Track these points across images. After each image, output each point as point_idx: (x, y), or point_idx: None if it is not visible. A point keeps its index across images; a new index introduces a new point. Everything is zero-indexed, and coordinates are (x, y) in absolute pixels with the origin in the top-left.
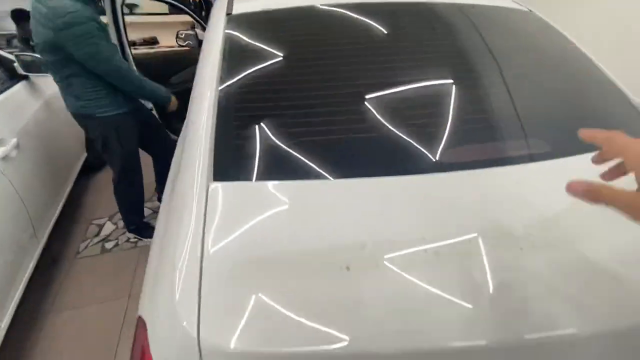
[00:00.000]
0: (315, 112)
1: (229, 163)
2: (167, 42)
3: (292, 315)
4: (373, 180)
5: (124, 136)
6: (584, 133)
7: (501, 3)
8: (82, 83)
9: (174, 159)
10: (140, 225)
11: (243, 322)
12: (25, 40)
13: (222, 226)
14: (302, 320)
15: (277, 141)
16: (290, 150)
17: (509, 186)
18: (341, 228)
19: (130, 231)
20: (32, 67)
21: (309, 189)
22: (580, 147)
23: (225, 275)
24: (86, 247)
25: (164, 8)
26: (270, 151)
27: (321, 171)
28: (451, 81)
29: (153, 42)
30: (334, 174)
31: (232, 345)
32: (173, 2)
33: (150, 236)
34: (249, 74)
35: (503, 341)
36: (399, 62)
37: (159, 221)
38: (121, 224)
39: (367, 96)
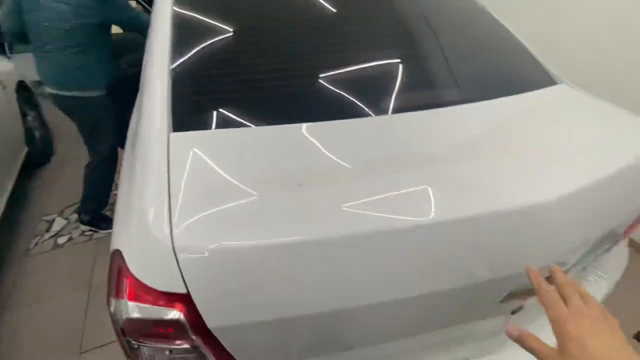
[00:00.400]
0: (263, 69)
1: (186, 116)
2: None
3: (255, 217)
4: (314, 124)
5: (113, 118)
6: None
7: None
8: (95, 54)
9: (131, 120)
10: (97, 217)
11: (210, 226)
12: None
13: (184, 161)
14: (263, 218)
15: (228, 95)
16: (237, 103)
17: (435, 124)
18: (291, 157)
19: (85, 223)
20: None
21: (254, 133)
22: (494, 93)
23: (191, 193)
24: (37, 244)
25: None
26: (222, 104)
27: (262, 119)
28: (387, 40)
29: None
30: (279, 120)
31: (203, 245)
32: None
33: (108, 228)
34: (200, 34)
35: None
36: (339, 28)
37: (123, 170)
38: (73, 218)
39: (311, 53)
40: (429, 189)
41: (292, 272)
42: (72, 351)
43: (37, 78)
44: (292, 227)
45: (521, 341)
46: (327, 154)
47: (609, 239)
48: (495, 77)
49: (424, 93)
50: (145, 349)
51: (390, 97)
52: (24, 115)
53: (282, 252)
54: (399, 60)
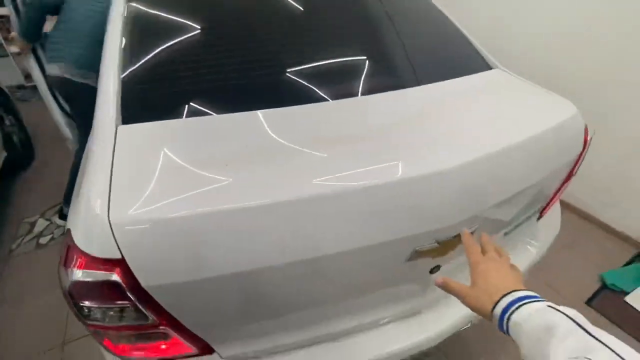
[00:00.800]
0: (210, 63)
1: (133, 111)
2: None
3: (182, 193)
4: (240, 114)
5: None
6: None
7: None
8: None
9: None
10: None
11: (142, 202)
12: None
13: (127, 149)
14: (188, 194)
15: (169, 91)
16: (177, 98)
17: (374, 107)
18: (221, 143)
19: (62, 217)
20: None
21: (190, 123)
22: (434, 78)
23: (129, 176)
24: (19, 245)
25: None
26: (163, 99)
27: (205, 109)
28: (328, 30)
29: None
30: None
31: (135, 218)
32: None
33: None
34: (147, 37)
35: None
36: (279, 21)
37: (82, 160)
38: (55, 219)
39: (245, 49)
40: (355, 159)
41: (209, 237)
42: (55, 343)
43: (16, 83)
44: (210, 200)
45: (445, 286)
46: (254, 138)
47: (527, 205)
48: (436, 64)
49: (367, 80)
50: (90, 309)
51: (332, 85)
52: (1, 120)
53: (202, 221)
54: (343, 49)
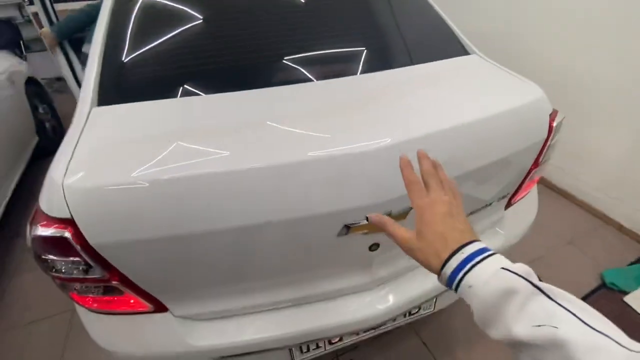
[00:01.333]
0: (179, 51)
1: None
2: None
3: (131, 164)
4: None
5: None
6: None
7: None
8: None
9: None
10: None
11: (93, 170)
12: None
13: (96, 127)
14: (135, 164)
15: (139, 77)
16: (147, 84)
17: (351, 87)
18: (174, 121)
19: None
20: None
21: (154, 105)
22: (413, 61)
23: (89, 149)
24: None
25: None
26: (134, 85)
27: (166, 94)
28: (314, 14)
29: None
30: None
31: (84, 184)
32: None
33: None
34: (128, 20)
35: None
36: (250, 9)
37: None
38: None
39: (208, 36)
40: (298, 135)
41: (145, 203)
42: (67, 307)
43: (54, 75)
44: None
45: (382, 225)
46: (222, 115)
47: (484, 189)
48: (415, 48)
49: (350, 63)
50: (49, 262)
51: (306, 68)
52: (35, 108)
53: (138, 190)
54: (322, 33)
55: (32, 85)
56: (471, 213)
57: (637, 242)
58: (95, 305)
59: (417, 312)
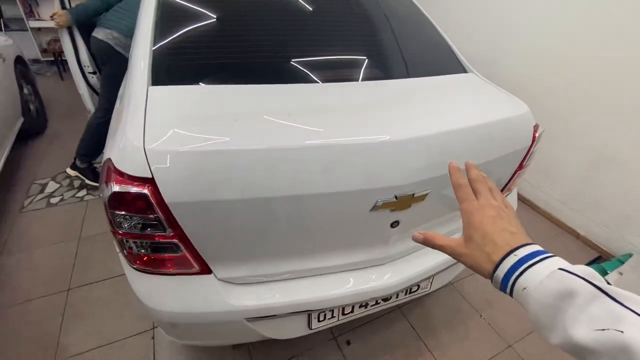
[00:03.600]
0: (224, 43)
1: (161, 76)
2: None
3: (198, 134)
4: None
5: None
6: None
7: None
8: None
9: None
10: (88, 168)
11: (169, 137)
12: None
13: (156, 102)
14: (204, 135)
15: (190, 62)
16: (196, 68)
17: (365, 90)
18: (233, 104)
19: (76, 169)
20: None
21: (217, 90)
22: (417, 74)
23: (158, 119)
24: (30, 203)
25: None
26: (185, 69)
27: (215, 80)
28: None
29: None
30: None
31: (164, 147)
32: None
33: (95, 181)
34: (175, 18)
35: None
36: (289, 16)
37: (114, 116)
38: (65, 182)
39: (273, 35)
40: (338, 125)
41: (218, 168)
42: (61, 288)
43: (33, 56)
44: (219, 141)
45: (428, 242)
46: (263, 103)
47: None
48: (420, 64)
49: (358, 70)
50: (123, 217)
51: (331, 71)
52: (20, 88)
53: (213, 156)
54: (346, 45)
55: (20, 65)
56: None
57: (591, 247)
58: (148, 264)
59: (416, 290)
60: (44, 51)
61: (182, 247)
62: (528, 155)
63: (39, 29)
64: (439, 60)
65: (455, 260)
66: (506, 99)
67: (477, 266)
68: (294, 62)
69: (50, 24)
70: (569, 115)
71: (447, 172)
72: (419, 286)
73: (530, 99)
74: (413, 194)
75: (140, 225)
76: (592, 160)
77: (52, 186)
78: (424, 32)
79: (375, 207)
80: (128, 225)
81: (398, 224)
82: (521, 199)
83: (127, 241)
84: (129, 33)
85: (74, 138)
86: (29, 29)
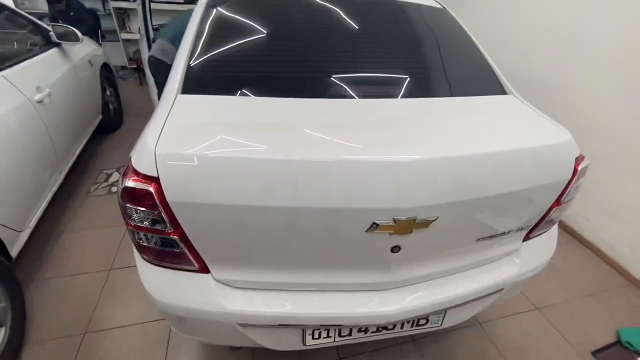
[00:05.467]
0: (251, 61)
1: (191, 86)
2: None
3: (210, 141)
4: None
5: None
6: None
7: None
8: None
9: None
10: None
11: (180, 142)
12: (54, 19)
13: (181, 109)
14: (216, 142)
15: (218, 76)
16: (224, 82)
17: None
18: (250, 115)
19: None
20: (64, 36)
21: (231, 100)
22: (458, 93)
23: (177, 125)
24: (96, 189)
25: None
26: (214, 82)
27: (240, 92)
28: (377, 54)
29: None
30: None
31: (172, 152)
32: None
33: None
34: (215, 28)
35: None
36: (336, 35)
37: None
38: None
39: (301, 52)
40: (347, 139)
41: (222, 174)
42: (105, 267)
43: (121, 64)
44: (227, 149)
45: None
46: (283, 115)
47: (502, 218)
48: (462, 83)
49: (404, 88)
50: (131, 210)
51: (363, 88)
52: (103, 90)
53: (218, 162)
54: (388, 64)
55: (105, 70)
56: (490, 237)
57: None
58: (153, 256)
59: (425, 323)
60: (129, 60)
61: (182, 245)
62: (568, 190)
63: (129, 40)
64: (476, 79)
65: (474, 297)
66: (546, 125)
67: None
68: (312, 75)
69: (138, 37)
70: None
71: (458, 200)
72: (427, 320)
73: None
74: (415, 220)
75: (146, 220)
76: None
77: (115, 176)
78: (462, 49)
79: (371, 228)
80: (136, 218)
81: (399, 249)
82: (579, 238)
83: (137, 233)
84: (173, 40)
85: None
86: (120, 40)
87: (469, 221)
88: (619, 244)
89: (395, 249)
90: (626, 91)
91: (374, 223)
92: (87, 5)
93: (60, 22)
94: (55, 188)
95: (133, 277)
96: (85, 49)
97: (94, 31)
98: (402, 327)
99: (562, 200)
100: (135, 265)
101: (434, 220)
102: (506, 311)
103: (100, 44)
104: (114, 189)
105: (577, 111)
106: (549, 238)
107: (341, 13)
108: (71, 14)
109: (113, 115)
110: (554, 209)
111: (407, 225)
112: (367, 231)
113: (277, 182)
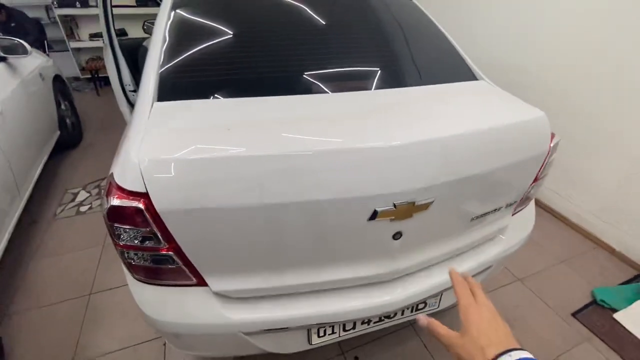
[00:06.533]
0: (219, 64)
1: (165, 93)
2: (135, 33)
3: (191, 144)
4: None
5: None
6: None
7: None
8: None
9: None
10: None
11: (163, 151)
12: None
13: (158, 116)
14: (196, 144)
15: (191, 81)
16: (196, 86)
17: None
18: (226, 114)
19: None
20: (10, 49)
21: (203, 103)
22: (429, 82)
23: (156, 133)
24: (62, 210)
25: (131, 0)
26: (186, 87)
27: (224, 93)
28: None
29: (122, 33)
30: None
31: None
32: None
33: None
34: (184, 31)
35: None
36: (308, 31)
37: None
38: (95, 191)
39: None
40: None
41: (208, 177)
42: (84, 292)
43: (72, 74)
44: (211, 150)
45: (429, 328)
46: (258, 113)
47: (491, 195)
48: (429, 71)
49: (377, 80)
50: (120, 229)
51: (331, 82)
52: (58, 104)
53: (203, 164)
54: (355, 56)
55: (58, 82)
56: (482, 215)
57: (628, 264)
58: (146, 275)
59: (423, 307)
60: (82, 69)
61: (178, 260)
62: (543, 166)
63: (79, 49)
64: (445, 67)
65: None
66: (519, 105)
67: (469, 357)
68: (287, 73)
69: (89, 44)
70: (604, 122)
71: (452, 180)
72: (425, 303)
73: (558, 104)
74: (414, 202)
75: (137, 238)
76: (630, 169)
77: (82, 195)
78: (429, 38)
79: (373, 217)
80: (126, 238)
81: (401, 235)
82: (550, 211)
83: (127, 252)
84: None
85: (106, 149)
86: (69, 49)
87: (464, 200)
88: (585, 212)
89: (397, 235)
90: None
91: (375, 210)
92: (30, 14)
93: (1, 34)
94: (17, 214)
95: (116, 298)
96: (34, 61)
97: (40, 42)
98: (402, 313)
99: (539, 176)
100: (119, 286)
101: (432, 202)
102: (492, 286)
103: (48, 55)
104: (82, 208)
105: (538, 94)
106: (528, 213)
107: (311, 9)
108: (12, 25)
109: (71, 130)
110: (532, 185)
111: (407, 210)
112: (369, 220)
113: (272, 178)
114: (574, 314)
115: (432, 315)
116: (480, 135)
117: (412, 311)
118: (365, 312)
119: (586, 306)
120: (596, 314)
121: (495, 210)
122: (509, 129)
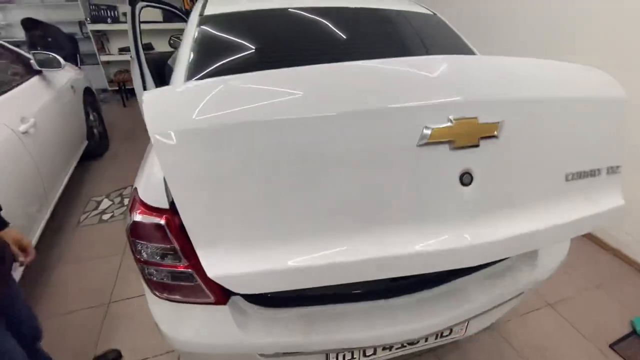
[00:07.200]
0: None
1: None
2: (161, 47)
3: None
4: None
5: None
6: None
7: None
8: None
9: None
10: None
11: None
12: (33, 45)
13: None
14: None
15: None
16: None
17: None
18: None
19: None
20: (45, 63)
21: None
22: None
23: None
24: (86, 218)
25: (158, 16)
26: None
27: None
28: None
29: (149, 47)
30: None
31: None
32: (167, 8)
33: None
34: (209, 47)
35: None
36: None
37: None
38: (117, 200)
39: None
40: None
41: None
42: (103, 300)
43: (101, 86)
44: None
45: None
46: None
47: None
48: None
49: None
50: (141, 245)
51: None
52: (87, 115)
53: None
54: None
55: (88, 95)
56: (579, 175)
57: None
58: (167, 292)
59: (448, 334)
60: (110, 81)
61: (197, 277)
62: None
63: (108, 62)
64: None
65: (497, 303)
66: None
67: None
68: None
69: (118, 57)
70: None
71: (523, 99)
72: (451, 330)
73: None
74: (476, 119)
75: (157, 255)
76: None
77: (105, 203)
78: (442, 37)
79: (424, 139)
80: (146, 254)
81: (471, 178)
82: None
83: (147, 268)
84: None
85: (131, 159)
86: (99, 62)
87: (545, 139)
88: (621, 232)
89: (465, 177)
90: None
91: (426, 127)
92: (65, 30)
93: (39, 48)
94: (44, 221)
95: (135, 308)
96: (66, 74)
97: (73, 56)
98: (426, 340)
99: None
100: (136, 296)
101: (502, 127)
102: (519, 310)
103: (80, 68)
104: (104, 216)
105: None
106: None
107: (333, 25)
108: (49, 39)
109: (98, 140)
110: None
111: (469, 130)
112: (419, 145)
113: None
114: (611, 346)
115: (454, 343)
116: (544, 64)
117: (436, 338)
118: (388, 339)
119: (625, 337)
120: (636, 346)
121: (593, 172)
122: (571, 68)
